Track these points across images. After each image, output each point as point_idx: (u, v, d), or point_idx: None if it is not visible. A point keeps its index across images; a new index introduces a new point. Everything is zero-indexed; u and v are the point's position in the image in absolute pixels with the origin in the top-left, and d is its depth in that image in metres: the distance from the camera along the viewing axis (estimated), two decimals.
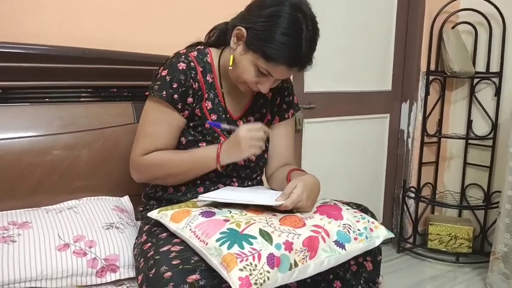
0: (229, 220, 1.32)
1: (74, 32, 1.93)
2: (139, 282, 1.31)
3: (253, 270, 1.17)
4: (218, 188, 1.62)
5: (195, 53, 1.61)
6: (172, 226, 1.37)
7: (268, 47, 1.42)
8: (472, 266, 3.20)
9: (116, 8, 2.02)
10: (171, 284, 1.18)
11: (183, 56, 1.58)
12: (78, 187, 1.81)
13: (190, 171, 1.58)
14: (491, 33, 3.17)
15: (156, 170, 1.59)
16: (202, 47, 1.66)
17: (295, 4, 1.44)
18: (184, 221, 1.36)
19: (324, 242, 1.33)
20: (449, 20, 3.19)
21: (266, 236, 1.26)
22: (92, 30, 1.97)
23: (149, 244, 1.41)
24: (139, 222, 1.70)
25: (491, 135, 3.23)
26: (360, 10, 3.02)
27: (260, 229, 1.28)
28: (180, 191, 1.63)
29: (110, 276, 1.51)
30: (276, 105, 1.77)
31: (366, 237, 1.41)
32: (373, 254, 1.50)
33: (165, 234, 1.41)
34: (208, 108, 1.61)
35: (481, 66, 3.26)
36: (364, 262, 1.49)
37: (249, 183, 1.72)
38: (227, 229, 1.28)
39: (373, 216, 1.55)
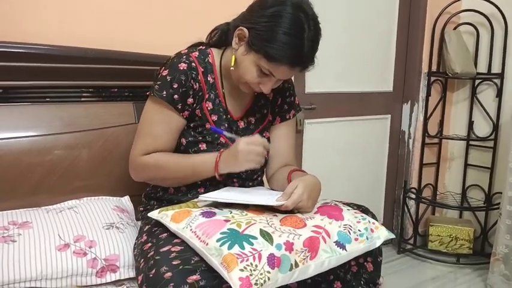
0: (229, 220, 1.32)
1: (74, 32, 1.92)
2: (139, 282, 1.31)
3: (254, 270, 1.17)
4: (219, 189, 1.62)
5: (197, 53, 1.61)
6: (173, 226, 1.37)
7: (270, 47, 1.42)
8: (472, 267, 3.20)
9: (116, 8, 2.02)
10: (171, 284, 1.18)
11: (184, 56, 1.57)
12: (78, 187, 1.81)
13: (188, 176, 1.58)
14: (493, 34, 3.17)
15: (153, 171, 1.59)
16: (204, 47, 1.65)
17: (297, 4, 1.43)
18: (184, 221, 1.35)
19: (325, 242, 1.33)
20: (451, 20, 3.19)
21: (267, 236, 1.26)
22: (92, 30, 1.97)
23: (149, 244, 1.40)
24: (139, 223, 1.70)
25: (492, 137, 3.22)
26: (360, 10, 3.02)
27: (261, 229, 1.28)
28: (180, 191, 1.63)
29: (110, 277, 1.51)
30: (277, 105, 1.77)
31: (367, 238, 1.41)
32: (374, 255, 1.49)
33: (165, 234, 1.41)
34: (208, 108, 1.60)
35: (482, 67, 3.26)
36: (365, 263, 1.48)
37: (250, 183, 1.72)
38: (228, 229, 1.27)
39: (373, 217, 1.55)
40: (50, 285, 1.44)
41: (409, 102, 3.35)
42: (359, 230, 1.41)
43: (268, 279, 1.18)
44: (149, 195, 1.71)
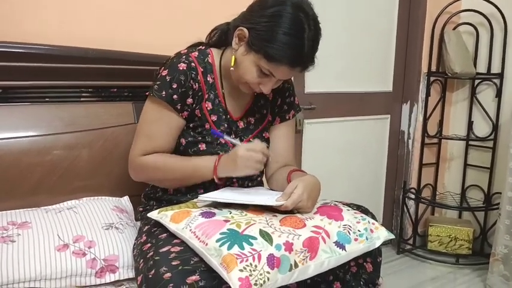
0: (229, 221, 1.32)
1: (74, 32, 1.92)
2: (138, 283, 1.31)
3: (253, 270, 1.16)
4: (218, 189, 1.61)
5: (196, 53, 1.60)
6: (172, 227, 1.37)
7: (270, 47, 1.42)
8: (472, 267, 3.20)
9: (116, 8, 2.02)
10: (171, 284, 1.18)
11: (183, 56, 1.57)
12: (78, 187, 1.81)
13: (186, 179, 1.58)
14: (492, 35, 3.17)
15: (152, 172, 1.60)
16: (204, 47, 1.65)
17: (297, 4, 1.43)
18: (184, 222, 1.35)
19: (324, 242, 1.33)
20: (450, 20, 3.19)
21: (266, 236, 1.26)
22: (92, 30, 1.97)
23: (149, 245, 1.40)
24: (139, 223, 1.70)
25: (491, 137, 3.22)
26: (360, 10, 3.02)
27: (260, 230, 1.28)
28: (180, 192, 1.63)
29: (109, 277, 1.51)
30: (277, 106, 1.76)
31: (366, 238, 1.41)
32: (373, 255, 1.49)
33: (164, 234, 1.41)
34: (208, 109, 1.60)
35: (482, 68, 3.26)
36: (364, 263, 1.48)
37: (249, 184, 1.72)
38: (227, 230, 1.27)
39: (373, 217, 1.55)
40: (49, 285, 1.44)
41: (409, 102, 3.35)
42: (359, 231, 1.41)
43: (268, 279, 1.18)
44: (148, 195, 1.71)
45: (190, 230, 1.31)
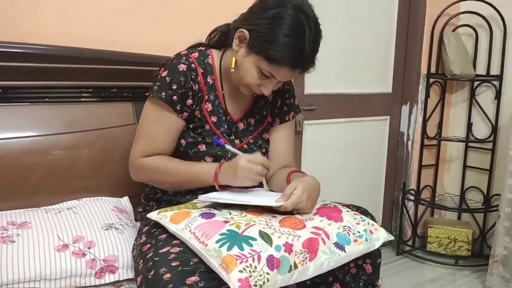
0: (229, 221, 1.32)
1: (74, 32, 1.92)
2: (138, 283, 1.31)
3: (253, 271, 1.17)
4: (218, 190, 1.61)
5: (196, 54, 1.60)
6: (172, 227, 1.37)
7: (271, 49, 1.42)
8: (471, 269, 3.20)
9: (116, 8, 2.02)
10: (170, 285, 1.18)
11: (183, 57, 1.57)
12: (78, 187, 1.81)
13: (186, 183, 1.58)
14: (491, 36, 3.17)
15: (152, 174, 1.60)
16: (204, 48, 1.65)
17: (297, 6, 1.43)
18: (183, 222, 1.35)
19: (324, 244, 1.33)
20: (450, 22, 3.19)
21: (266, 237, 1.26)
22: (92, 30, 1.97)
23: (148, 245, 1.40)
24: (138, 223, 1.70)
25: (491, 138, 3.22)
26: (360, 12, 3.02)
27: (260, 231, 1.28)
28: (179, 193, 1.63)
29: (109, 277, 1.51)
30: (277, 107, 1.77)
31: (366, 240, 1.41)
32: (373, 257, 1.49)
33: (164, 235, 1.41)
34: (208, 110, 1.60)
35: (481, 69, 3.26)
36: (364, 264, 1.49)
37: None
38: (227, 230, 1.27)
39: (372, 218, 1.55)
40: (49, 286, 1.44)
41: (408, 103, 3.35)
42: (358, 232, 1.42)
43: (268, 280, 1.18)
44: (148, 196, 1.71)
45: (190, 230, 1.31)
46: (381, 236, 1.45)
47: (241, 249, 1.21)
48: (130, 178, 1.65)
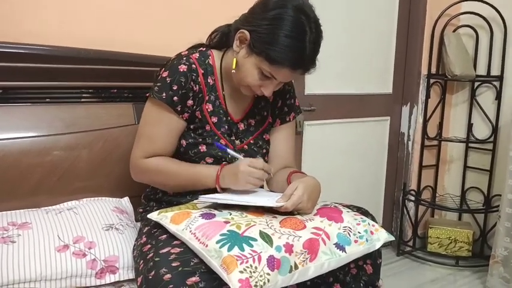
0: (229, 222, 1.32)
1: (74, 32, 1.92)
2: (138, 284, 1.31)
3: (254, 272, 1.16)
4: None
5: (197, 55, 1.60)
6: (172, 228, 1.37)
7: (272, 50, 1.42)
8: (471, 269, 3.20)
9: (116, 8, 2.02)
10: (171, 286, 1.18)
11: (184, 58, 1.57)
12: (78, 188, 1.80)
13: (188, 185, 1.58)
14: (492, 37, 3.17)
15: (154, 176, 1.60)
16: (204, 49, 1.65)
17: (298, 6, 1.43)
18: (184, 223, 1.35)
19: (325, 244, 1.33)
20: (450, 23, 3.19)
21: (266, 238, 1.26)
22: (92, 30, 1.97)
23: (149, 246, 1.40)
24: (139, 224, 1.70)
25: (491, 139, 3.22)
26: (360, 12, 3.02)
27: (260, 231, 1.28)
28: (180, 193, 1.63)
29: (109, 278, 1.51)
30: (278, 108, 1.76)
31: (366, 240, 1.41)
32: (373, 257, 1.49)
33: (164, 236, 1.41)
34: (209, 110, 1.60)
35: (481, 70, 3.26)
36: (364, 265, 1.48)
37: None
38: (227, 231, 1.27)
39: (373, 219, 1.55)
40: (49, 286, 1.44)
41: (409, 104, 3.35)
42: (359, 232, 1.41)
43: (268, 281, 1.18)
44: (148, 196, 1.71)
45: (191, 231, 1.31)
46: (382, 236, 1.45)
47: (242, 249, 1.21)
48: (131, 178, 1.65)
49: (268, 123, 1.74)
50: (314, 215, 1.45)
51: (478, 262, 3.22)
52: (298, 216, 1.42)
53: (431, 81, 3.29)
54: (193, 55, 1.59)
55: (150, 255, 1.33)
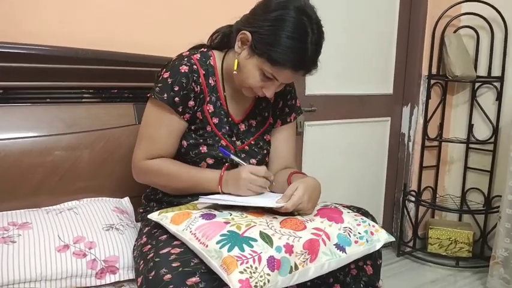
0: (229, 222, 1.32)
1: (73, 32, 1.92)
2: (138, 284, 1.31)
3: (254, 272, 1.16)
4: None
5: (198, 56, 1.60)
6: (173, 228, 1.37)
7: (274, 51, 1.42)
8: (472, 270, 3.20)
9: (116, 8, 2.02)
10: (171, 286, 1.18)
11: (185, 59, 1.57)
12: (79, 188, 1.81)
13: (189, 188, 1.58)
14: (493, 38, 3.17)
15: (155, 178, 1.60)
16: (206, 50, 1.65)
17: (300, 8, 1.43)
18: (184, 223, 1.35)
19: (325, 245, 1.33)
20: (451, 23, 3.19)
21: (266, 238, 1.26)
22: (91, 30, 1.97)
23: (149, 246, 1.40)
24: (139, 224, 1.70)
25: (492, 140, 3.22)
26: (360, 12, 3.01)
27: (261, 232, 1.28)
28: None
29: (110, 278, 1.51)
30: (279, 108, 1.76)
31: (367, 241, 1.41)
32: (374, 258, 1.49)
33: (165, 236, 1.41)
34: (210, 111, 1.60)
35: (482, 71, 3.26)
36: (364, 266, 1.48)
37: None
38: (227, 231, 1.27)
39: (373, 219, 1.55)
40: (50, 286, 1.44)
41: (409, 104, 3.35)
42: (359, 233, 1.41)
43: (268, 281, 1.18)
44: (149, 196, 1.71)
45: (191, 231, 1.31)
46: (382, 237, 1.45)
47: (242, 250, 1.21)
48: (131, 179, 1.65)
49: (269, 124, 1.74)
50: (314, 215, 1.45)
51: (478, 263, 3.22)
52: (299, 217, 1.42)
53: (432, 81, 3.29)
54: (195, 56, 1.59)
55: (150, 255, 1.33)
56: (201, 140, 1.59)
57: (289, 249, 1.25)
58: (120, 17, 2.03)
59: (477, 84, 3.29)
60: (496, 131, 3.21)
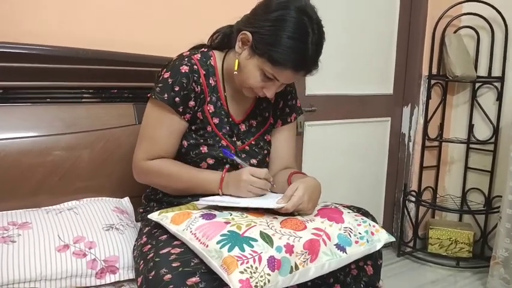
0: (230, 222, 1.32)
1: (73, 32, 1.92)
2: (138, 284, 1.31)
3: (254, 272, 1.16)
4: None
5: (199, 56, 1.60)
6: (173, 228, 1.37)
7: (274, 51, 1.42)
8: (472, 270, 3.20)
9: (116, 8, 2.02)
10: (171, 286, 1.18)
11: (186, 59, 1.57)
12: (79, 188, 1.80)
13: (190, 189, 1.58)
14: (493, 38, 3.17)
15: (156, 178, 1.60)
16: (206, 50, 1.65)
17: (300, 8, 1.43)
18: (184, 223, 1.35)
19: (325, 245, 1.32)
20: (451, 24, 3.19)
21: (267, 238, 1.25)
22: (91, 30, 1.97)
23: (149, 246, 1.40)
24: (139, 224, 1.70)
25: (492, 140, 3.22)
26: (361, 12, 3.01)
27: (261, 232, 1.28)
28: None
29: (110, 278, 1.51)
30: (279, 108, 1.76)
31: (367, 241, 1.41)
32: (374, 258, 1.49)
33: (165, 236, 1.40)
34: (210, 111, 1.60)
35: (482, 71, 3.26)
36: (365, 266, 1.48)
37: None
38: (228, 231, 1.27)
39: (373, 219, 1.55)
40: (49, 286, 1.44)
41: (410, 105, 3.35)
42: (359, 233, 1.41)
43: (268, 281, 1.17)
44: (149, 196, 1.71)
45: (191, 231, 1.31)
46: (382, 237, 1.45)
47: (242, 250, 1.20)
48: (131, 178, 1.65)
49: (269, 124, 1.74)
50: (315, 215, 1.45)
51: (478, 263, 3.22)
52: (299, 217, 1.42)
53: (432, 82, 3.29)
54: (195, 56, 1.59)
55: (151, 255, 1.33)
56: (202, 140, 1.59)
57: (289, 249, 1.25)
58: (120, 17, 2.03)
59: (477, 85, 3.29)
60: (496, 131, 3.21)
